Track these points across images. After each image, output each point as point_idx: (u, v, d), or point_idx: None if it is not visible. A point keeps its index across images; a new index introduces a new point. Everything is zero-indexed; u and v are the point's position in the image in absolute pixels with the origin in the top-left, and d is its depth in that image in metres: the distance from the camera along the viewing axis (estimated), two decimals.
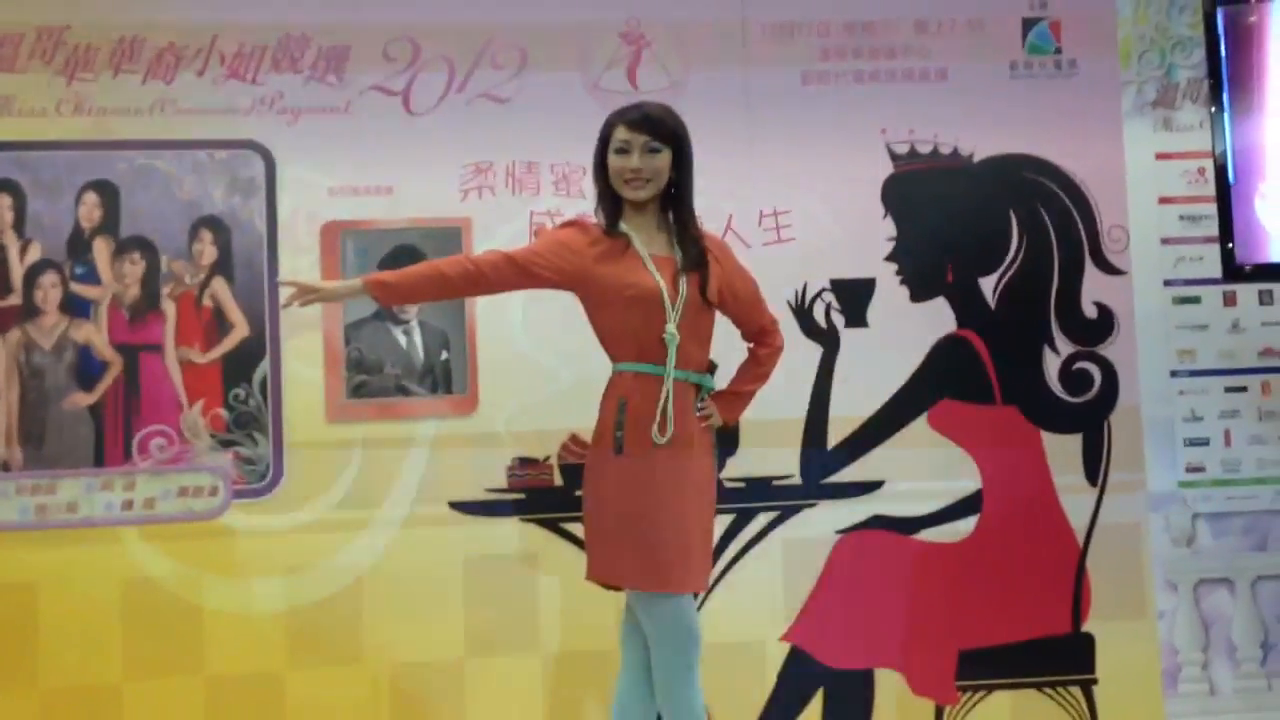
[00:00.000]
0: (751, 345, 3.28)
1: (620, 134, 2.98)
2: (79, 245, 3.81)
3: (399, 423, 3.89)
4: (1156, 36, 4.27)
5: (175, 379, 3.82)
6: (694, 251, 3.03)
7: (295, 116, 3.90)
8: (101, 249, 3.82)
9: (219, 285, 3.84)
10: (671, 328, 2.96)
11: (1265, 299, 4.23)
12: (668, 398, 2.95)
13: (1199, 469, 4.18)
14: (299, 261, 3.87)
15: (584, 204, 3.92)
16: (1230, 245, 3.54)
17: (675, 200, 3.06)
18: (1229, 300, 4.21)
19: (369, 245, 3.90)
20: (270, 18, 3.90)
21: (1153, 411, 4.16)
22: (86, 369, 3.79)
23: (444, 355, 3.92)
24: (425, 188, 3.93)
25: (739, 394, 3.22)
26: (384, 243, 3.90)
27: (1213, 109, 3.86)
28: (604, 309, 3.04)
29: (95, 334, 3.80)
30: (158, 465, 3.80)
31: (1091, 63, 4.18)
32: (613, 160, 3.00)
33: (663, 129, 2.98)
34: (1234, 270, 3.51)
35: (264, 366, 3.85)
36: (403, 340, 3.91)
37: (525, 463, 3.91)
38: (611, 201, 3.06)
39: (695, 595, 3.05)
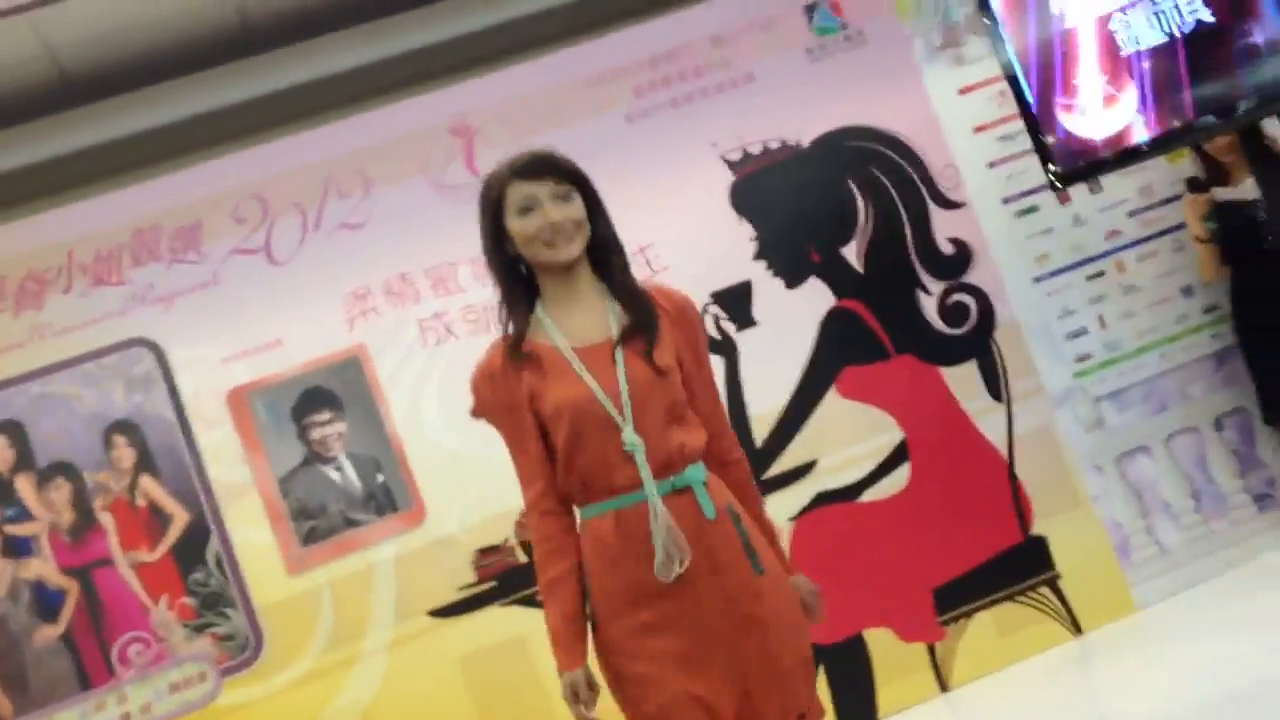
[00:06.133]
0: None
1: (517, 192, 2.30)
2: (1, 488, 3.85)
3: (357, 554, 3.99)
4: None
5: (133, 584, 3.87)
6: (634, 310, 2.33)
7: (169, 302, 3.99)
8: (25, 485, 3.86)
9: (147, 482, 3.91)
10: (630, 434, 2.25)
11: (1095, 188, 4.51)
12: (661, 523, 2.22)
13: (1086, 357, 4.47)
14: (215, 435, 3.95)
15: (463, 298, 4.11)
16: (1047, 157, 3.78)
17: (598, 254, 2.37)
18: (1065, 200, 4.50)
19: (276, 400, 4.00)
20: (118, 218, 3.99)
21: (1029, 319, 4.44)
22: (46, 602, 3.83)
23: (380, 478, 4.03)
24: (312, 329, 4.04)
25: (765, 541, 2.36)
26: (290, 392, 4.02)
27: (987, 21, 4.09)
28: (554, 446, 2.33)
29: (43, 567, 3.84)
30: (142, 671, 3.84)
31: (876, 28, 4.46)
32: (519, 226, 2.30)
33: (564, 167, 2.34)
34: (1057, 177, 3.75)
35: (214, 544, 3.92)
36: (337, 477, 4.01)
37: (487, 551, 4.04)
38: (524, 289, 2.38)
39: None
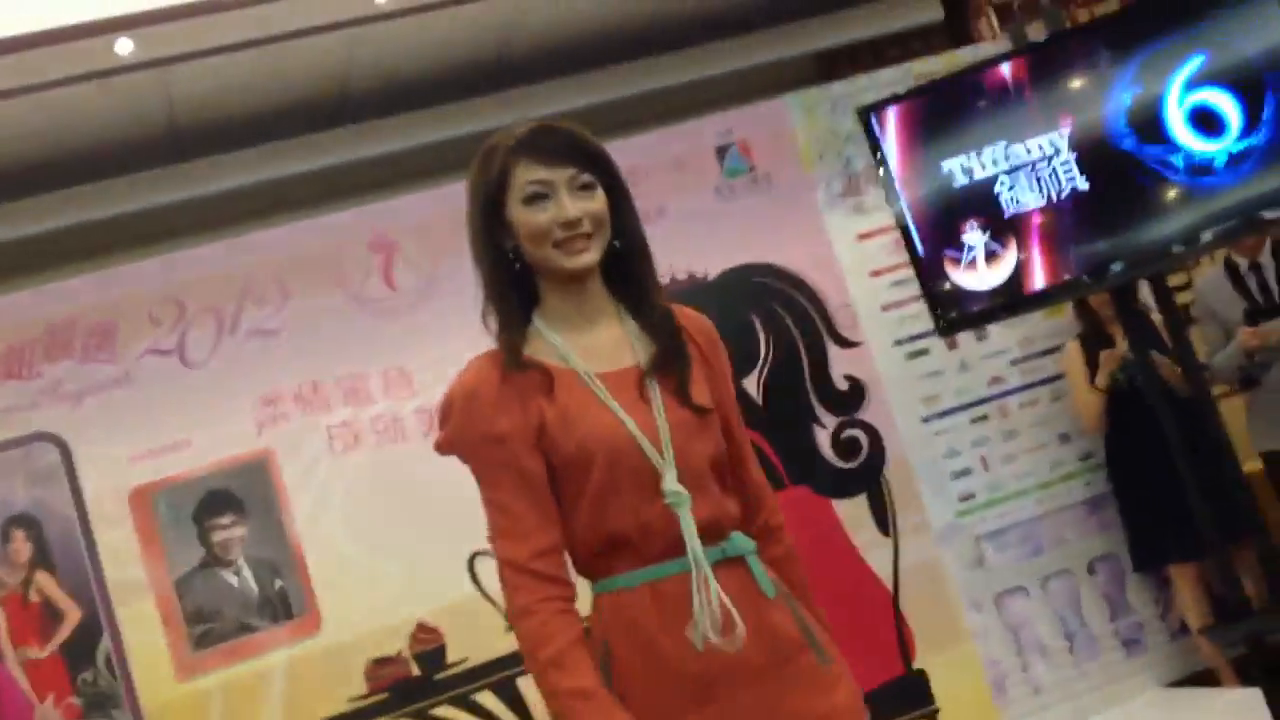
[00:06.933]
0: None
1: (527, 173, 1.85)
2: None
3: (250, 661, 3.97)
4: (829, 137, 4.82)
5: (20, 681, 3.83)
6: (663, 336, 1.90)
7: (79, 399, 4.00)
8: None
9: (42, 578, 3.89)
10: (671, 481, 1.81)
11: (981, 335, 4.79)
12: (713, 592, 1.80)
13: (970, 496, 4.66)
14: (115, 534, 3.95)
15: (373, 409, 4.19)
16: (935, 304, 4.00)
17: (622, 261, 1.93)
18: (952, 345, 4.74)
19: (179, 500, 4.02)
20: (33, 313, 4.02)
21: (917, 457, 4.62)
22: None
23: (277, 584, 4.05)
24: (221, 432, 4.08)
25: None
26: (194, 493, 4.03)
27: (882, 175, 4.30)
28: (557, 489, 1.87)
29: None
30: None
31: (782, 172, 4.70)
32: (525, 216, 1.85)
33: (591, 153, 1.89)
34: (944, 324, 3.97)
35: (105, 644, 3.90)
36: (234, 580, 4.03)
37: (380, 663, 4.06)
38: (517, 293, 1.90)
39: None
